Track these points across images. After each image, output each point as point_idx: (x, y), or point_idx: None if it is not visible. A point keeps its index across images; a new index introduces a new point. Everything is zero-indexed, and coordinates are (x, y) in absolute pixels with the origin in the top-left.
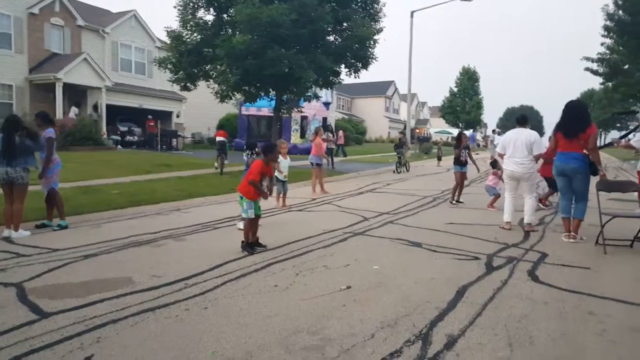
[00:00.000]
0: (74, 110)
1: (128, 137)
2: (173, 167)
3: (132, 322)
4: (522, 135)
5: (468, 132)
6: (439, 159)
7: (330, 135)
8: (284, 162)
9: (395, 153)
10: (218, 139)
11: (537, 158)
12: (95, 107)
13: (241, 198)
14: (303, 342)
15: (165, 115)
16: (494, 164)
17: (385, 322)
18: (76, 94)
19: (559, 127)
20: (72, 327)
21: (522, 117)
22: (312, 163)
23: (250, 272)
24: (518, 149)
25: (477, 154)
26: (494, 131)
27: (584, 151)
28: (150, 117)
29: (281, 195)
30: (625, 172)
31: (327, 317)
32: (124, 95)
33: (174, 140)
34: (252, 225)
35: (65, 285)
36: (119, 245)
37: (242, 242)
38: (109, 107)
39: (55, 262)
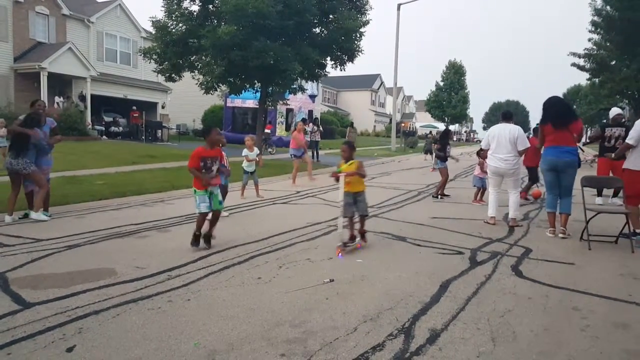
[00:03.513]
0: (56, 100)
1: (113, 128)
2: (158, 158)
3: (114, 313)
4: (505, 131)
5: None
6: (429, 152)
7: (315, 127)
8: (251, 155)
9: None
10: (266, 131)
11: (521, 154)
12: (82, 97)
13: (195, 191)
14: (285, 335)
15: (150, 106)
16: (479, 153)
17: (368, 316)
18: (61, 84)
19: (547, 120)
20: (55, 318)
21: (507, 113)
22: (291, 155)
23: (234, 264)
24: (501, 144)
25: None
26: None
27: (577, 144)
28: (134, 108)
29: (253, 186)
30: None
31: (310, 310)
32: (108, 86)
33: (159, 131)
34: (204, 219)
35: (48, 275)
36: (102, 236)
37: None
38: (93, 97)
39: (39, 252)
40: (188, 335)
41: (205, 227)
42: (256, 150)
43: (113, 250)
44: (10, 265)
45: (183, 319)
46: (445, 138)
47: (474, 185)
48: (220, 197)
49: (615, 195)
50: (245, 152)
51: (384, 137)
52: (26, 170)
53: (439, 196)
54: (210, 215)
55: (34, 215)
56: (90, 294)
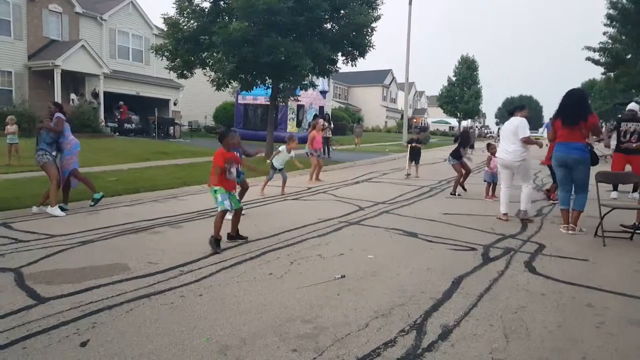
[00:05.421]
0: (72, 97)
1: (125, 125)
2: (170, 155)
3: (127, 308)
4: (509, 123)
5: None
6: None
7: (326, 123)
8: (287, 156)
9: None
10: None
11: (526, 142)
12: (95, 95)
13: (215, 191)
14: (297, 331)
15: (163, 103)
16: (488, 146)
17: (379, 312)
18: (74, 81)
19: (558, 115)
20: (69, 313)
21: (512, 109)
22: (306, 153)
23: (245, 260)
24: (505, 137)
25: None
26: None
27: (586, 141)
28: (121, 103)
29: (278, 183)
30: None
31: (322, 306)
32: (121, 83)
33: (171, 128)
34: (222, 219)
35: (62, 271)
36: (115, 232)
37: (211, 236)
38: (106, 94)
39: (53, 248)
40: (200, 330)
41: (222, 230)
42: (292, 154)
43: (126, 246)
44: (25, 260)
45: (195, 314)
46: (464, 137)
47: (485, 181)
48: (237, 197)
49: (635, 190)
50: (282, 148)
51: (396, 132)
52: (39, 163)
53: (456, 193)
54: (229, 215)
55: (48, 209)
56: (104, 289)
